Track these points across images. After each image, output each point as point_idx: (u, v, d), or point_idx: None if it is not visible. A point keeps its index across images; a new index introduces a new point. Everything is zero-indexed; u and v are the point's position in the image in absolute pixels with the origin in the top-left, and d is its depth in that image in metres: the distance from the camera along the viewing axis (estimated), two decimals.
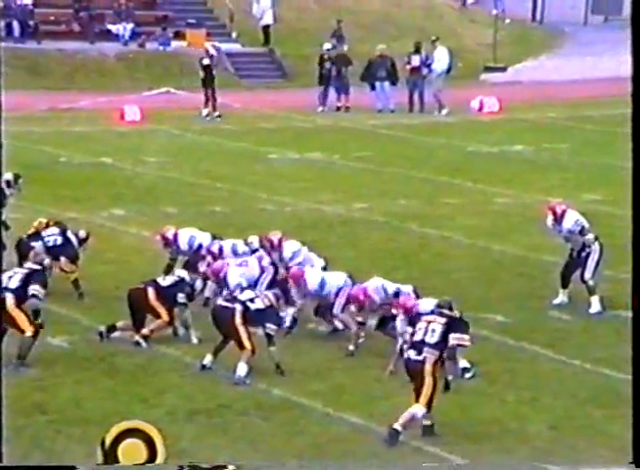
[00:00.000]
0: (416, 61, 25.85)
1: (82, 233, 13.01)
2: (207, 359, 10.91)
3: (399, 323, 10.68)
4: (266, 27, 30.23)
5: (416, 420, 9.46)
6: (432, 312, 9.85)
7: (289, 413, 10.05)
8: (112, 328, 11.62)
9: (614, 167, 20.22)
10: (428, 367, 9.45)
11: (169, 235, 12.88)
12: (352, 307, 11.36)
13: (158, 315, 11.58)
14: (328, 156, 21.01)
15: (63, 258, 12.65)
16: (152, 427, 7.95)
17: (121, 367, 11.04)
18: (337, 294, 11.52)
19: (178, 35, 29.86)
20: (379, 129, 23.78)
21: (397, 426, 9.40)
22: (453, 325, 9.55)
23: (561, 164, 20.41)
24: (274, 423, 9.85)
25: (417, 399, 9.48)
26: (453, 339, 9.49)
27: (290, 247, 12.24)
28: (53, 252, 12.60)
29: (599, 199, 17.88)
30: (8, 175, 13.71)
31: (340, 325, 11.72)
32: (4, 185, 13.59)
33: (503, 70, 30.72)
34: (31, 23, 28.98)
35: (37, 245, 12.56)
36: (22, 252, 12.56)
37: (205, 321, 11.30)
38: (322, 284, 11.62)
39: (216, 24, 30.70)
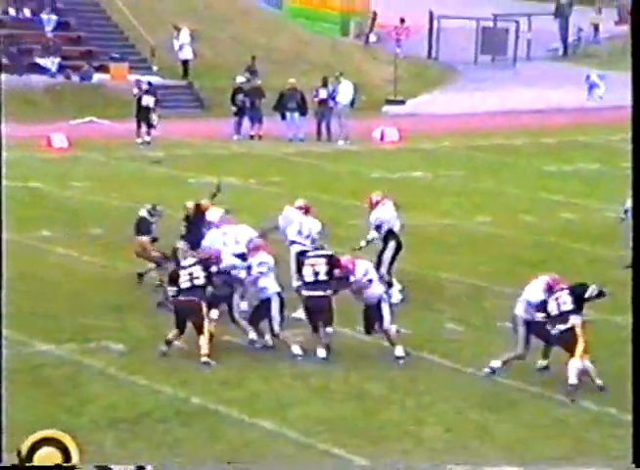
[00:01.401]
0: (323, 94, 26.03)
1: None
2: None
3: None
4: (185, 62, 30.20)
5: (582, 371, 10.21)
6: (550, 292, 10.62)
7: (206, 420, 10.00)
8: (169, 342, 11.48)
9: (501, 193, 20.58)
10: (578, 331, 10.28)
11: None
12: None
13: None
14: (243, 180, 20.99)
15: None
16: (65, 434, 7.82)
17: (48, 378, 10.86)
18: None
19: (102, 68, 29.61)
20: (290, 156, 23.84)
21: (573, 381, 10.15)
22: (576, 290, 10.49)
23: (455, 189, 20.69)
24: (193, 429, 9.79)
25: (572, 355, 10.25)
26: (588, 293, 10.47)
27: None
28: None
29: (488, 221, 18.18)
30: (147, 205, 14.07)
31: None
32: (147, 214, 13.91)
33: (402, 103, 31.09)
34: None
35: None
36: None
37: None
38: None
39: (138, 59, 30.50)
